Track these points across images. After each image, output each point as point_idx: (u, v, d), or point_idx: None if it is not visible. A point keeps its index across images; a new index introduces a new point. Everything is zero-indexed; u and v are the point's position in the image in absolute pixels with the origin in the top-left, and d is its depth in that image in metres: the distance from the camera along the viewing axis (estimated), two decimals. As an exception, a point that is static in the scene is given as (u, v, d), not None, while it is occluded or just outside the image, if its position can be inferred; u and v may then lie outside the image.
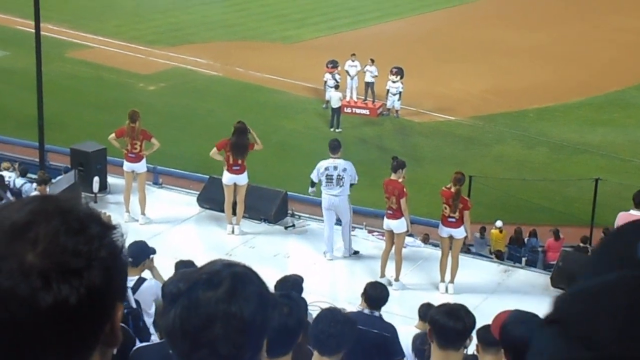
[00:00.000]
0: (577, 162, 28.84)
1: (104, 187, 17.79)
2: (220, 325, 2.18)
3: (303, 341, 5.09)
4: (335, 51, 34.01)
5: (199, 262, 7.57)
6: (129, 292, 8.42)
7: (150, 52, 37.88)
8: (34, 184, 17.64)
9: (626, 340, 1.19)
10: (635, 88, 35.72)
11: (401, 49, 37.71)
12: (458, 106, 32.79)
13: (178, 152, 25.20)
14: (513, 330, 4.70)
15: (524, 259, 20.70)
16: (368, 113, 32.08)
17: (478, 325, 5.69)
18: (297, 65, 36.05)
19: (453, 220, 14.62)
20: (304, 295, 7.63)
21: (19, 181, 18.72)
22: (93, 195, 17.20)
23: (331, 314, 5.45)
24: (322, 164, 15.54)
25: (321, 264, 15.65)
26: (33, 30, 19.89)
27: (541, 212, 25.32)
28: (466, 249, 17.76)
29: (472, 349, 6.11)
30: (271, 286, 2.39)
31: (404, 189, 14.64)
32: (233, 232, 16.43)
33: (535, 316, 4.85)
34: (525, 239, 23.33)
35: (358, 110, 32.07)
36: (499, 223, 23.08)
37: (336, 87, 31.27)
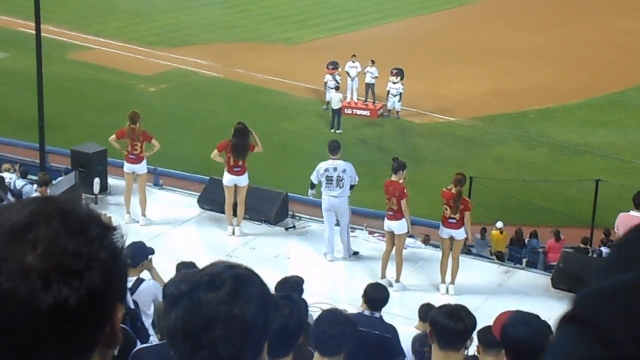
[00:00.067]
0: (577, 163, 28.84)
1: (104, 188, 17.79)
2: (221, 327, 2.18)
3: (304, 342, 5.09)
4: (336, 52, 34.01)
5: (200, 264, 7.56)
6: (127, 292, 8.43)
7: (151, 54, 37.89)
8: (35, 186, 17.65)
9: None
10: (635, 89, 35.72)
11: (401, 50, 37.71)
12: (458, 107, 32.80)
13: (178, 154, 25.20)
14: (514, 331, 4.70)
15: (524, 260, 20.72)
16: (368, 114, 32.09)
17: (479, 326, 5.69)
18: (298, 66, 36.05)
19: (454, 221, 14.62)
20: (304, 296, 7.63)
21: (20, 182, 18.73)
22: (93, 196, 17.20)
23: (332, 315, 5.45)
24: (322, 165, 15.54)
25: (322, 265, 15.65)
26: (34, 32, 19.91)
27: (542, 213, 25.32)
28: (467, 250, 17.75)
29: (472, 350, 6.11)
30: (272, 287, 2.38)
31: (405, 190, 14.64)
32: (234, 233, 16.42)
33: (536, 317, 4.86)
34: (526, 240, 23.32)
35: (358, 112, 32.08)
36: (499, 224, 23.08)
37: (337, 88, 31.27)
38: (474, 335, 5.61)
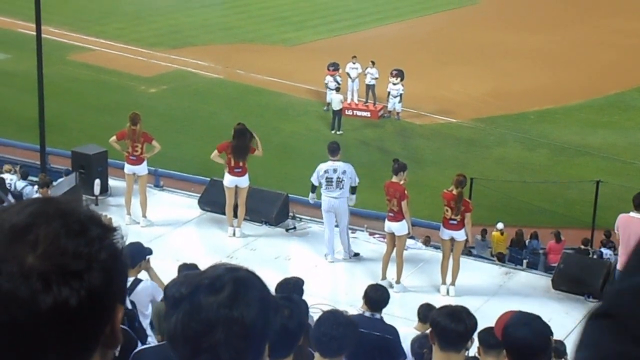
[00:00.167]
0: (578, 165, 28.85)
1: (105, 189, 17.79)
2: (221, 331, 2.18)
3: (304, 344, 5.09)
4: (336, 54, 34.02)
5: (201, 265, 7.57)
6: (125, 293, 8.42)
7: (152, 55, 37.91)
8: (35, 187, 17.65)
9: None
10: (635, 90, 35.73)
11: (401, 51, 37.72)
12: (459, 108, 32.80)
13: (179, 155, 25.21)
14: (515, 331, 4.70)
15: (525, 261, 20.75)
16: (369, 115, 32.10)
17: (479, 327, 5.69)
18: (298, 67, 36.06)
19: (454, 222, 14.61)
20: (304, 297, 7.63)
21: (20, 184, 18.73)
22: (94, 197, 17.20)
23: (333, 317, 5.45)
24: (322, 167, 15.54)
25: (322, 266, 15.65)
26: (34, 33, 19.92)
27: (542, 214, 25.33)
28: (467, 251, 17.75)
29: (473, 351, 6.11)
30: (272, 289, 2.38)
31: (405, 192, 14.63)
32: (234, 234, 16.42)
33: (537, 318, 4.86)
34: (527, 241, 23.33)
35: (359, 113, 32.09)
36: (500, 225, 23.09)
37: (337, 89, 31.28)
38: (475, 336, 5.61)
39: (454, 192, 14.57)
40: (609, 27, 43.01)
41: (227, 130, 17.28)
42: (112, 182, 18.10)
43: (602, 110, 33.74)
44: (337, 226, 15.76)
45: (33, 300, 1.44)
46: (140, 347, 6.26)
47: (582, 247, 21.12)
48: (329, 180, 15.42)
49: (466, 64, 37.09)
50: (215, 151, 16.12)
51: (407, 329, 9.42)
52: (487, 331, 5.78)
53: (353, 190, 15.68)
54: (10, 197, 16.78)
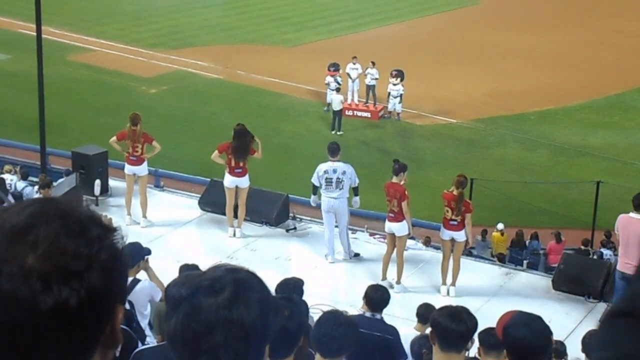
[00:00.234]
0: (578, 165, 28.85)
1: (105, 190, 17.79)
2: (221, 332, 2.17)
3: (304, 344, 5.09)
4: (336, 54, 34.04)
5: (201, 265, 7.56)
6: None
7: (152, 55, 37.92)
8: (35, 187, 17.64)
9: None
10: (635, 91, 35.73)
11: (401, 52, 37.73)
12: (459, 109, 32.80)
13: (179, 155, 25.21)
14: (515, 331, 4.70)
15: (525, 262, 20.74)
16: (369, 116, 32.11)
17: (480, 328, 5.68)
18: (299, 68, 36.07)
19: (455, 223, 14.61)
20: (305, 298, 7.63)
21: (20, 184, 18.74)
22: (94, 198, 17.20)
23: (333, 317, 5.45)
24: (322, 167, 15.54)
25: (322, 266, 15.65)
26: (35, 34, 19.92)
27: (542, 215, 25.33)
28: (468, 251, 17.75)
29: (473, 351, 6.11)
30: (272, 289, 2.38)
31: (406, 192, 14.63)
32: (234, 235, 16.42)
33: (537, 318, 4.86)
34: (527, 242, 23.32)
35: (359, 113, 32.10)
36: (500, 226, 23.09)
37: (338, 89, 31.29)
38: (475, 336, 5.61)
39: (455, 192, 14.57)
40: (609, 27, 43.02)
41: (227, 130, 17.28)
42: (112, 183, 18.10)
43: (603, 110, 33.75)
44: (337, 226, 15.76)
45: (33, 301, 1.44)
46: (140, 347, 6.26)
47: (583, 247, 21.12)
48: (328, 181, 15.42)
49: (466, 65, 37.10)
50: (216, 152, 16.12)
51: (407, 329, 9.42)
52: (488, 332, 5.79)
53: (356, 191, 15.68)
54: (10, 198, 16.79)
